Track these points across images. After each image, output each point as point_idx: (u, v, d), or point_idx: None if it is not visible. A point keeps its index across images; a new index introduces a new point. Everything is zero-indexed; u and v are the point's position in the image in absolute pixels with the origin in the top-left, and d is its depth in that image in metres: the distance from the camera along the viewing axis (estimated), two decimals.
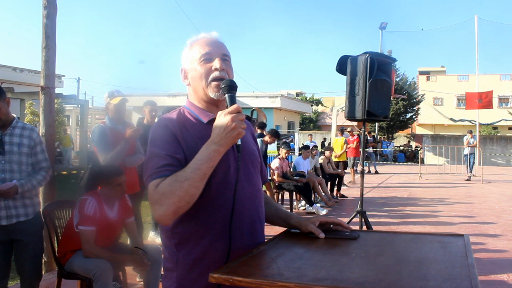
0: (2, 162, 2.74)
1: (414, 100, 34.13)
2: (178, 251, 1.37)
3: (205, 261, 1.34)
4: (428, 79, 39.78)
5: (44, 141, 3.35)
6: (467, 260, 1.21)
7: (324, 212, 7.55)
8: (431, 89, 36.03)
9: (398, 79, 31.09)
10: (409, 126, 36.05)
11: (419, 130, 37.30)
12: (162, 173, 1.28)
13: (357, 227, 4.43)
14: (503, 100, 36.97)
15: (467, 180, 14.59)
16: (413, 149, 27.47)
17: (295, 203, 8.16)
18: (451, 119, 26.98)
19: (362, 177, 4.84)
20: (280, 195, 8.03)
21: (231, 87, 1.35)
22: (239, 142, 1.33)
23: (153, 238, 5.23)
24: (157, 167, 1.30)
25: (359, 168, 12.75)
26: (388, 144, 26.74)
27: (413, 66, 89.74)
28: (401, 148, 29.27)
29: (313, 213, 7.51)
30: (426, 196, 10.40)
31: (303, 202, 8.10)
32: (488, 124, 28.99)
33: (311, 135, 18.86)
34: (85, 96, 35.29)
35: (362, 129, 4.89)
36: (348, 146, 12.05)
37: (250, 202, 1.43)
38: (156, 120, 4.87)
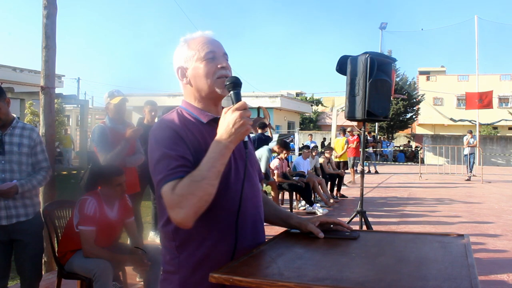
0: (2, 162, 2.74)
1: (414, 100, 34.13)
2: (180, 253, 1.35)
3: (208, 263, 1.32)
4: (428, 79, 39.79)
5: (44, 141, 3.35)
6: (467, 260, 1.21)
7: (324, 212, 7.55)
8: (431, 89, 36.03)
9: (398, 79, 31.09)
10: (409, 126, 36.05)
11: (419, 130, 37.31)
12: (177, 175, 1.26)
13: (357, 227, 4.42)
14: (503, 100, 36.97)
15: (467, 180, 14.59)
16: (413, 149, 27.47)
17: (295, 203, 8.16)
18: (451, 119, 26.98)
19: (362, 177, 4.84)
20: (280, 195, 8.02)
21: (236, 84, 1.36)
22: (246, 139, 1.33)
23: (153, 238, 5.24)
24: (170, 168, 1.27)
25: (359, 168, 12.74)
26: (388, 144, 26.74)
27: (413, 66, 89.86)
28: (401, 148, 29.27)
29: (313, 213, 7.51)
30: (426, 196, 10.40)
31: (303, 202, 8.10)
32: (488, 124, 28.99)
33: (311, 135, 18.88)
34: (85, 96, 35.31)
35: (362, 129, 4.89)
36: (348, 146, 12.06)
37: (252, 202, 1.43)
38: (156, 120, 4.87)
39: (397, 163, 25.05)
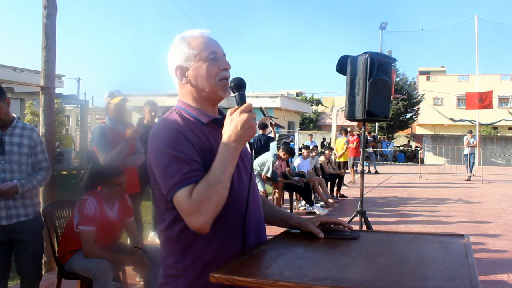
0: (2, 162, 2.74)
1: (414, 100, 34.14)
2: (185, 257, 1.33)
3: (216, 264, 1.28)
4: (428, 79, 39.79)
5: (44, 141, 3.35)
6: (467, 260, 1.21)
7: (324, 212, 7.55)
8: (431, 89, 36.03)
9: (398, 79, 31.09)
10: (409, 126, 36.06)
11: (419, 130, 37.31)
12: (191, 179, 1.24)
13: (357, 227, 4.42)
14: (503, 100, 36.97)
15: (467, 180, 14.59)
16: (413, 149, 27.47)
17: (295, 203, 8.16)
18: (451, 119, 26.97)
19: (362, 177, 4.84)
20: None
21: (241, 85, 1.35)
22: (251, 140, 1.33)
23: (153, 238, 5.23)
24: (184, 173, 1.24)
25: (359, 168, 12.74)
26: (388, 144, 26.74)
27: (413, 66, 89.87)
28: (401, 148, 29.27)
29: (313, 213, 7.51)
30: (426, 196, 10.40)
31: (303, 202, 8.10)
32: (488, 124, 28.99)
33: (311, 135, 18.87)
34: (85, 96, 35.32)
35: (362, 129, 4.89)
36: (348, 146, 12.06)
37: (255, 201, 1.44)
38: (156, 120, 4.87)
39: (397, 163, 25.05)
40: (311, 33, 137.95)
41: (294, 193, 7.92)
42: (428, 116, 35.87)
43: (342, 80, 5.60)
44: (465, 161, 15.58)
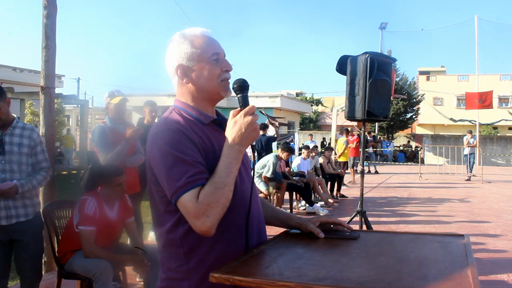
0: (2, 162, 2.74)
1: (414, 100, 34.14)
2: (189, 260, 1.31)
3: (220, 266, 1.27)
4: (428, 79, 39.79)
5: (44, 141, 3.35)
6: (467, 260, 1.21)
7: (324, 212, 7.55)
8: (431, 89, 36.03)
9: (398, 79, 31.10)
10: (409, 126, 36.06)
11: (419, 130, 37.31)
12: (197, 182, 1.23)
13: (357, 227, 4.43)
14: (503, 100, 36.97)
15: (467, 180, 14.59)
16: (413, 149, 27.47)
17: (295, 203, 8.16)
18: (451, 119, 26.98)
19: (362, 177, 4.84)
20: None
21: (244, 87, 1.35)
22: (254, 143, 1.34)
23: (153, 238, 5.23)
24: (190, 175, 1.22)
25: (359, 168, 12.74)
26: (388, 144, 26.75)
27: (413, 66, 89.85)
28: (401, 148, 29.28)
29: (313, 213, 7.51)
30: (426, 196, 10.40)
31: (303, 202, 8.10)
32: (488, 124, 28.99)
33: (311, 135, 18.88)
34: (85, 96, 35.33)
35: (362, 129, 4.89)
36: (348, 146, 12.07)
37: (255, 202, 1.44)
38: (156, 120, 4.87)
39: (397, 163, 25.05)
40: (311, 33, 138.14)
41: (294, 193, 7.92)
42: (428, 116, 35.87)
43: (342, 80, 5.61)
44: (465, 161, 15.58)
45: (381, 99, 4.38)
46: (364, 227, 4.62)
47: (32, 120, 14.32)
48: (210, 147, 1.32)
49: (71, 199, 3.39)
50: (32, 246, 2.86)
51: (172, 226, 1.31)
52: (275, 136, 9.27)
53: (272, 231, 1.55)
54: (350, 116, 4.47)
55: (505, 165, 24.93)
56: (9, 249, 2.84)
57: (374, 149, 19.88)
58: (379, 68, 4.34)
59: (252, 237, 1.37)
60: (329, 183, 9.42)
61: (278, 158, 7.29)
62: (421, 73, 41.69)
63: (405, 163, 24.46)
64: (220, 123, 1.41)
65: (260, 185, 7.02)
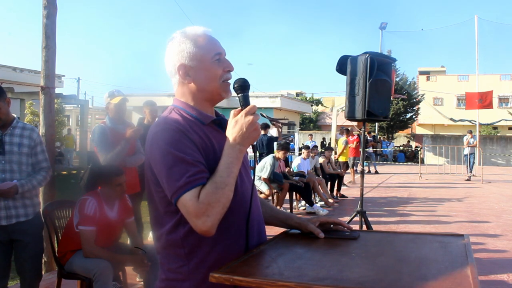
0: (2, 162, 2.74)
1: (414, 100, 34.14)
2: (189, 260, 1.31)
3: (221, 266, 1.27)
4: (428, 79, 39.79)
5: (44, 141, 3.35)
6: (467, 260, 1.21)
7: (324, 212, 7.55)
8: (431, 89, 36.03)
9: (398, 79, 31.10)
10: (409, 126, 36.07)
11: (419, 130, 37.31)
12: (198, 182, 1.22)
13: (357, 227, 4.42)
14: (503, 100, 36.97)
15: (467, 180, 14.59)
16: (413, 149, 27.47)
17: (295, 203, 8.16)
18: (451, 119, 26.98)
19: (362, 177, 4.84)
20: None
21: (245, 87, 1.35)
22: (254, 143, 1.33)
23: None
24: (190, 175, 1.22)
25: (359, 168, 12.75)
26: (388, 144, 26.75)
27: (413, 66, 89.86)
28: (401, 148, 29.28)
29: (313, 213, 7.51)
30: (426, 196, 10.40)
31: (303, 202, 8.10)
32: (488, 124, 28.98)
33: (311, 135, 18.90)
34: (85, 96, 35.35)
35: (362, 129, 4.89)
36: (347, 146, 12.07)
37: (255, 203, 1.44)
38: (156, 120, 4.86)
39: (397, 163, 25.05)
40: (311, 33, 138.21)
41: (294, 193, 7.92)
42: (428, 116, 35.87)
43: (342, 80, 5.61)
44: (465, 161, 15.58)
45: (381, 99, 4.38)
46: (364, 227, 4.62)
47: (32, 120, 14.34)
48: (210, 147, 1.31)
49: (71, 199, 3.39)
50: (32, 246, 2.86)
51: (173, 227, 1.31)
52: (277, 136, 9.27)
53: (272, 231, 1.55)
54: (350, 116, 4.47)
55: (505, 165, 24.93)
56: (9, 249, 2.84)
57: (374, 149, 19.88)
58: (379, 68, 4.34)
59: (252, 238, 1.37)
60: (329, 183, 9.41)
61: (275, 158, 7.29)
62: (421, 73, 41.68)
63: (405, 163, 24.47)
64: (219, 123, 1.41)
65: (262, 186, 7.02)
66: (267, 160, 7.18)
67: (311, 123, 42.58)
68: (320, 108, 45.76)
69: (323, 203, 8.40)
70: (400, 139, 33.39)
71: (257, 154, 8.24)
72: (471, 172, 15.03)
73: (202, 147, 1.30)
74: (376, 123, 23.94)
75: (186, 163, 1.23)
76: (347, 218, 5.14)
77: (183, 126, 1.30)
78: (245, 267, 1.19)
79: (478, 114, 20.06)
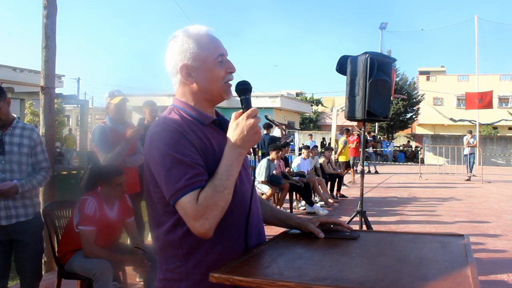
0: (2, 162, 2.74)
1: (414, 100, 34.15)
2: (187, 261, 1.30)
3: (219, 266, 1.26)
4: (428, 79, 39.79)
5: (44, 141, 3.35)
6: (467, 260, 1.21)
7: (324, 212, 7.55)
8: (431, 89, 36.03)
9: (398, 79, 31.11)
10: (409, 126, 36.07)
11: (419, 130, 37.31)
12: (197, 184, 1.22)
13: (357, 227, 4.43)
14: (503, 100, 36.97)
15: (467, 180, 14.59)
16: (413, 149, 27.48)
17: (295, 203, 8.16)
18: (451, 119, 26.99)
19: (362, 177, 4.84)
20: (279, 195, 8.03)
21: (247, 89, 1.34)
22: (255, 146, 1.33)
23: None
24: (189, 177, 1.21)
25: (359, 168, 12.74)
26: (388, 144, 26.75)
27: (413, 66, 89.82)
28: (401, 148, 29.28)
29: (313, 213, 7.51)
30: (426, 196, 10.40)
31: (303, 202, 8.10)
32: (488, 124, 28.99)
33: (311, 135, 18.90)
34: (85, 96, 35.38)
35: (362, 129, 4.89)
36: (347, 146, 12.07)
37: (255, 203, 1.43)
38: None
39: (397, 163, 25.06)
40: (311, 33, 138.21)
41: (294, 193, 7.92)
42: (428, 116, 35.88)
43: (342, 80, 5.61)
44: (465, 161, 15.58)
45: (381, 99, 4.38)
46: (364, 227, 4.62)
47: (32, 120, 14.35)
48: (209, 148, 1.31)
49: (71, 199, 3.39)
50: (32, 246, 2.86)
51: (171, 227, 1.30)
52: (279, 137, 9.27)
53: (272, 231, 1.55)
54: (350, 116, 4.47)
55: (505, 165, 24.94)
56: (9, 249, 2.84)
57: (374, 149, 19.88)
58: (379, 68, 4.34)
59: (251, 239, 1.37)
60: (329, 183, 9.42)
61: (270, 160, 7.26)
62: (421, 73, 41.69)
63: (405, 163, 24.47)
64: (220, 123, 1.40)
65: (263, 187, 7.02)
66: (262, 163, 7.20)
67: (311, 123, 42.57)
68: (320, 108, 45.76)
69: (323, 203, 8.40)
70: (400, 139, 33.40)
71: (259, 154, 8.24)
72: (471, 172, 15.03)
73: (201, 148, 1.29)
74: (376, 123, 23.94)
75: (184, 164, 1.22)
76: (347, 218, 5.15)
77: (182, 127, 1.29)
78: (245, 267, 1.19)
79: (478, 114, 20.06)
